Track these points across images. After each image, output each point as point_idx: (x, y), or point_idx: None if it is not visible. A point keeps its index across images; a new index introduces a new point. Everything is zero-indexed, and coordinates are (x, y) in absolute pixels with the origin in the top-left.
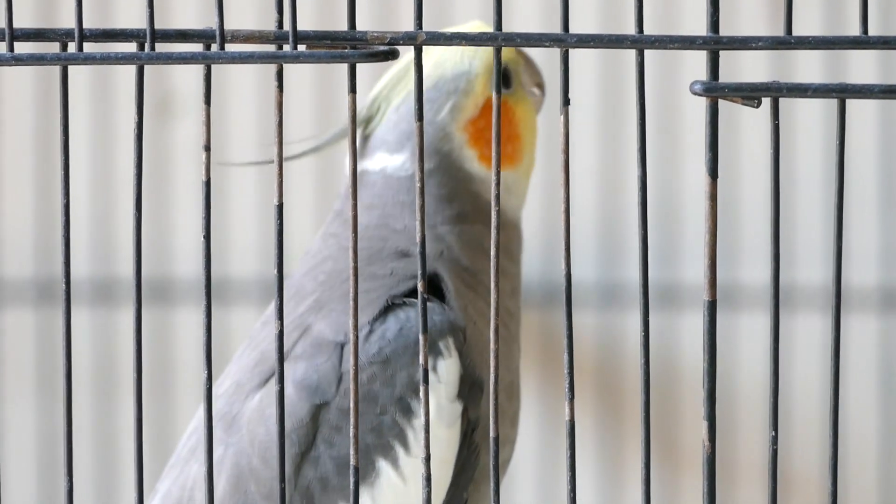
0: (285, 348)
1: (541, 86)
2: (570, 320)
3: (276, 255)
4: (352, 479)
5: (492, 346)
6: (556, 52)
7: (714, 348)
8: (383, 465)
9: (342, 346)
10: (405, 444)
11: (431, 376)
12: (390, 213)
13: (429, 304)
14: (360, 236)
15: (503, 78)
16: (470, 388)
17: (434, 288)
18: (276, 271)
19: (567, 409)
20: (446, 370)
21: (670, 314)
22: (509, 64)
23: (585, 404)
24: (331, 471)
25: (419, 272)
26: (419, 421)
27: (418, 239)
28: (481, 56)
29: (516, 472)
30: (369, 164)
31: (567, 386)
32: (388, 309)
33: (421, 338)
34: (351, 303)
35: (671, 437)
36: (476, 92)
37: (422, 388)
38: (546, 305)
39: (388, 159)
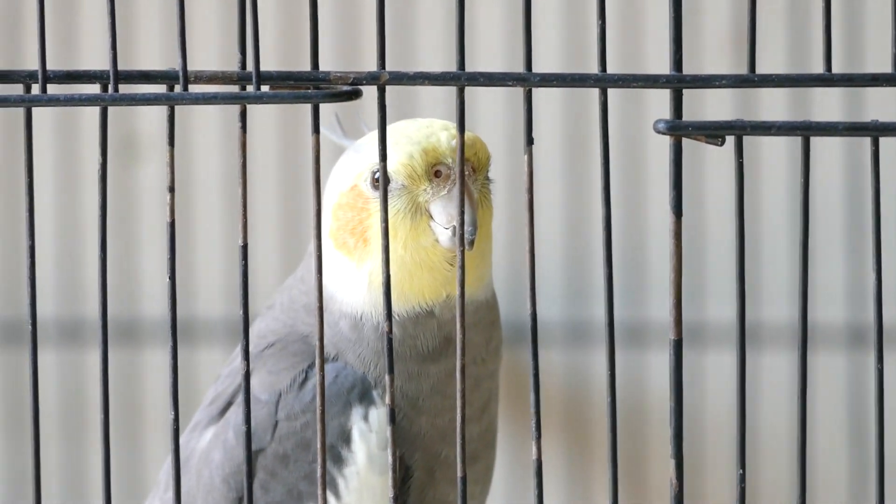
0: (231, 391)
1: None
2: (537, 359)
3: (242, 295)
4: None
5: (458, 387)
6: (519, 92)
7: (680, 387)
8: None
9: (278, 397)
10: (336, 492)
11: (363, 425)
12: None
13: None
14: (292, 304)
15: (379, 179)
16: (403, 443)
17: None
18: (241, 311)
19: (534, 449)
20: (378, 419)
21: (637, 353)
22: (394, 173)
23: (553, 443)
24: None
25: (385, 317)
26: (350, 469)
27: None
28: (381, 152)
29: None
30: None
31: (534, 425)
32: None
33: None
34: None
35: (639, 476)
36: (346, 176)
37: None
38: (512, 344)
39: None
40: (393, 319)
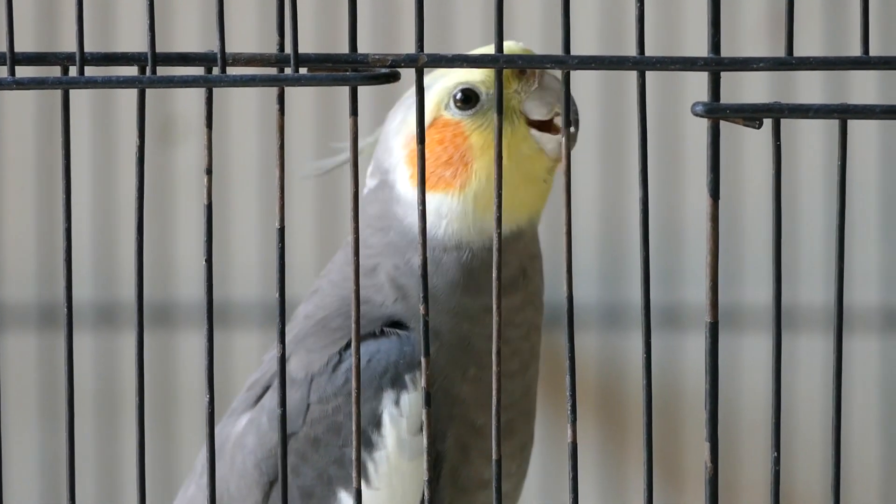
0: (269, 377)
1: (559, 115)
2: (572, 342)
3: (278, 278)
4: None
5: (494, 364)
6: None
7: (716, 369)
8: (344, 496)
9: (311, 379)
10: (366, 477)
11: (394, 409)
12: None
13: (398, 335)
14: (342, 276)
15: (466, 99)
16: (436, 422)
17: (398, 327)
18: (277, 294)
19: (569, 431)
20: (409, 404)
21: (672, 335)
22: (479, 85)
23: (587, 426)
24: (297, 500)
25: (422, 293)
26: (380, 454)
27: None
28: (456, 76)
29: None
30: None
31: (569, 408)
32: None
33: (423, 360)
34: (353, 320)
35: (673, 458)
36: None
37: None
38: (548, 326)
39: (368, 183)
40: (480, 246)
